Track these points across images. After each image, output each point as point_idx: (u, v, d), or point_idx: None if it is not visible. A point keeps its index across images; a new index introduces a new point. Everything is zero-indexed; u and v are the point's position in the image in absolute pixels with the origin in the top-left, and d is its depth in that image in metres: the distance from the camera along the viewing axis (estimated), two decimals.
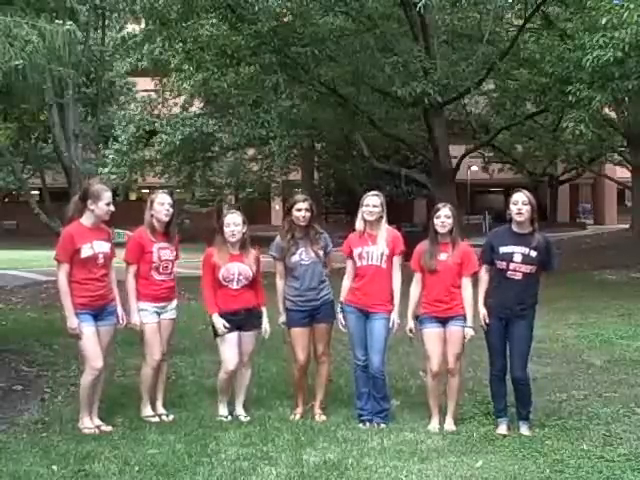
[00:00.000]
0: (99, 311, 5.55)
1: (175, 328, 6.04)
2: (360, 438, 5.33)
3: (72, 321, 5.42)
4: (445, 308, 5.58)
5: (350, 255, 5.78)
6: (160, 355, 5.84)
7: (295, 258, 5.82)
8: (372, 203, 5.73)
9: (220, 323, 5.73)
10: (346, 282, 5.84)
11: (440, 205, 5.74)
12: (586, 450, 5.02)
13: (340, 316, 5.82)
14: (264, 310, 5.95)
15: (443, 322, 5.61)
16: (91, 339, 5.48)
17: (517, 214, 5.41)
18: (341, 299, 5.83)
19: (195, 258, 5.98)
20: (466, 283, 5.61)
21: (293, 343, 5.94)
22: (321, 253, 5.87)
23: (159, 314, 5.85)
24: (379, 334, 5.68)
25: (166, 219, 5.80)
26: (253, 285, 5.90)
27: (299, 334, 5.88)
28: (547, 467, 4.74)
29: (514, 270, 5.40)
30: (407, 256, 5.83)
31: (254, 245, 5.99)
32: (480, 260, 5.62)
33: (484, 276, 5.59)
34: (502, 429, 5.46)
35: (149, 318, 5.80)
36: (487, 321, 5.47)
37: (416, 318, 5.69)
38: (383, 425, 5.62)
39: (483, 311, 5.50)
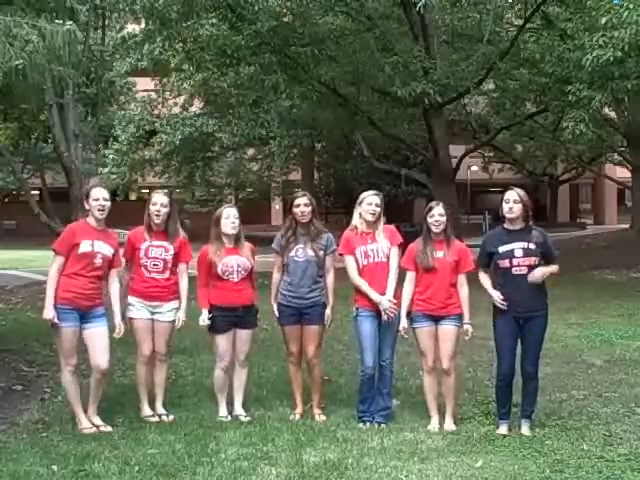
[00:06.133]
0: (84, 312, 5.54)
1: (174, 331, 5.99)
2: (360, 438, 5.33)
3: (48, 312, 5.46)
4: (439, 307, 5.58)
5: (352, 253, 5.74)
6: (148, 351, 5.84)
7: (291, 254, 5.84)
8: (375, 202, 5.73)
9: (203, 318, 5.80)
10: (358, 277, 5.67)
11: (433, 204, 5.74)
12: (586, 450, 5.02)
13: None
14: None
15: (435, 320, 5.61)
16: (68, 338, 5.51)
17: (508, 212, 5.44)
18: (375, 294, 5.61)
19: (195, 258, 5.99)
20: (462, 281, 5.62)
21: (284, 337, 6.01)
22: (320, 253, 5.86)
23: (151, 312, 5.84)
24: (393, 328, 5.68)
25: (157, 220, 5.80)
26: (251, 280, 5.95)
27: (289, 330, 5.93)
28: (547, 467, 4.74)
29: (518, 265, 5.38)
30: (403, 253, 5.83)
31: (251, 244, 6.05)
32: (477, 264, 5.62)
33: (484, 275, 5.57)
34: (502, 429, 5.46)
35: (135, 313, 5.82)
36: (502, 299, 5.37)
37: (408, 314, 5.68)
38: (383, 425, 5.62)
39: (496, 293, 5.40)
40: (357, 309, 5.75)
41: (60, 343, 5.57)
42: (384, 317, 5.60)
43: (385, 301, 5.59)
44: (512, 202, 5.43)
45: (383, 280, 5.67)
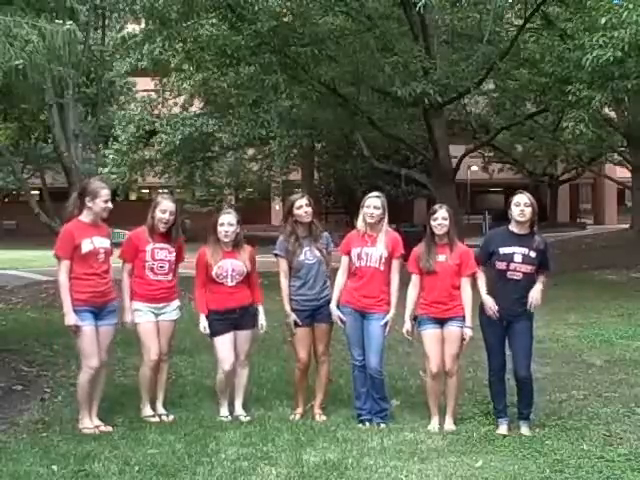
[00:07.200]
0: (100, 309, 5.55)
1: (176, 329, 6.03)
2: (360, 438, 5.33)
3: (70, 317, 5.42)
4: (444, 309, 5.58)
5: (348, 254, 5.78)
6: (156, 355, 5.82)
7: (300, 257, 5.82)
8: (374, 204, 5.72)
9: (203, 325, 5.80)
10: (340, 280, 5.80)
11: (437, 207, 5.73)
12: (586, 450, 5.02)
13: (338, 312, 5.75)
14: (260, 307, 5.96)
15: (441, 323, 5.61)
16: (89, 338, 5.48)
17: (519, 215, 5.42)
18: (335, 299, 5.78)
19: (195, 258, 5.98)
20: (465, 284, 5.61)
21: (295, 342, 5.96)
22: (324, 252, 5.87)
23: (156, 315, 5.85)
24: (376, 335, 5.68)
25: (164, 229, 5.80)
26: (249, 283, 5.92)
27: (301, 333, 5.89)
28: (547, 467, 4.74)
29: (514, 270, 5.41)
30: (406, 257, 5.83)
31: (251, 244, 6.02)
32: (476, 260, 5.63)
33: (481, 273, 5.58)
34: (502, 429, 5.46)
35: (143, 318, 5.81)
36: (496, 309, 5.40)
37: (414, 319, 5.69)
38: (383, 425, 5.62)
39: (489, 301, 5.44)
40: (342, 306, 5.79)
41: (80, 344, 5.53)
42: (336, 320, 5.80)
43: (335, 312, 5.75)
44: (523, 205, 5.41)
45: (369, 284, 5.69)
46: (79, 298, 5.46)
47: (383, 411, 5.72)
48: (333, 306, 5.80)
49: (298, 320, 5.84)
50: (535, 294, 5.42)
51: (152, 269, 5.79)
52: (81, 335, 5.48)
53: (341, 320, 5.76)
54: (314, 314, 5.87)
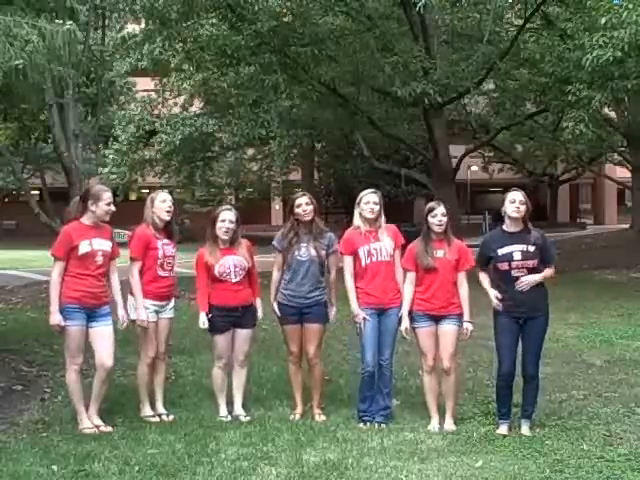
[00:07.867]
0: (91, 311, 5.53)
1: (172, 328, 6.06)
2: (360, 438, 5.33)
3: (54, 317, 5.44)
4: (441, 306, 5.58)
5: (352, 253, 5.75)
6: (154, 352, 5.85)
7: (295, 253, 5.82)
8: (373, 200, 5.73)
9: (202, 320, 5.81)
10: (351, 281, 5.76)
11: (434, 204, 5.72)
12: (586, 450, 5.02)
13: (363, 313, 5.67)
14: (258, 301, 6.00)
15: (436, 320, 5.61)
16: (75, 337, 5.49)
17: (515, 211, 5.41)
18: (355, 301, 5.71)
19: (195, 258, 5.99)
20: (462, 279, 5.62)
21: (285, 337, 6.00)
22: (322, 252, 5.84)
23: (158, 312, 5.87)
24: (394, 328, 5.71)
25: (167, 217, 5.85)
26: (250, 280, 5.94)
27: (290, 330, 5.93)
28: (547, 467, 4.74)
29: (517, 268, 5.38)
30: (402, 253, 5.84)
31: (251, 243, 6.04)
32: (476, 263, 5.63)
33: (483, 274, 5.57)
34: (503, 429, 5.45)
35: (149, 316, 5.81)
36: (499, 297, 5.37)
37: (409, 314, 5.68)
38: (383, 425, 5.61)
39: (493, 292, 5.42)
40: (362, 309, 5.73)
41: (67, 342, 5.55)
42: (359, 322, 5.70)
43: (361, 313, 5.66)
44: (518, 202, 5.41)
45: (385, 279, 5.69)
46: (72, 296, 5.46)
47: (386, 409, 5.72)
48: (356, 308, 5.70)
49: (277, 311, 5.89)
50: (529, 277, 5.37)
51: (162, 266, 5.83)
52: (67, 334, 5.49)
53: (364, 319, 5.69)
54: (302, 313, 5.85)
